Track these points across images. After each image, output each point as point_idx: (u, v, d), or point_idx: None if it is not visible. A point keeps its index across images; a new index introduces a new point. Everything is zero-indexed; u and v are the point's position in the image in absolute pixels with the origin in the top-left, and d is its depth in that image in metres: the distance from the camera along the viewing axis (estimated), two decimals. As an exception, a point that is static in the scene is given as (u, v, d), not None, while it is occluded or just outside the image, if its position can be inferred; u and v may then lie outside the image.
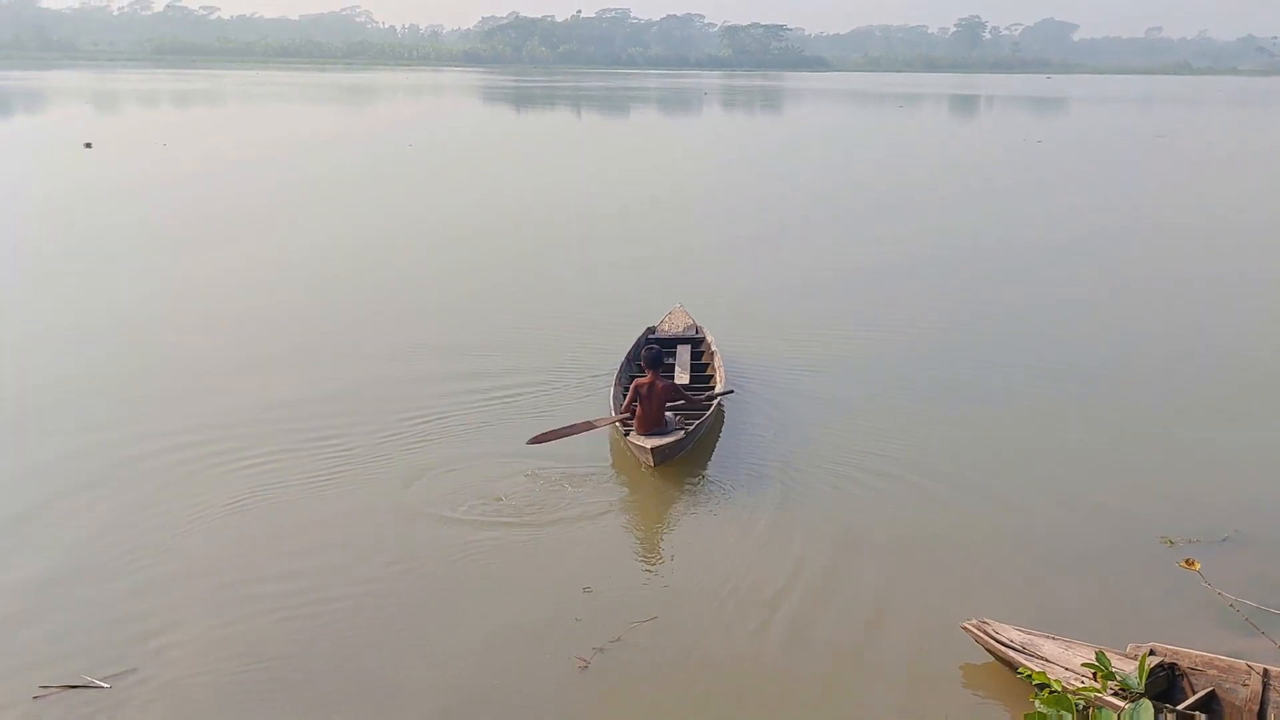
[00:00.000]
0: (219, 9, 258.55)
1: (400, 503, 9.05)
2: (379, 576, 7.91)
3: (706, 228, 23.63)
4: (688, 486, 9.64)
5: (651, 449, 9.71)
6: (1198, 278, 18.99)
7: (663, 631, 7.21)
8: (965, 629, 6.83)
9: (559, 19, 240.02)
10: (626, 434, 10.22)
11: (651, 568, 8.30)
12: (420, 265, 19.37)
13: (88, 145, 36.68)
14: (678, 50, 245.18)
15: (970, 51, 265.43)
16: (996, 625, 6.77)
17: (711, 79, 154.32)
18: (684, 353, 12.65)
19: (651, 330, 13.50)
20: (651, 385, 10.21)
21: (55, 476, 9.56)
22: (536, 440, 10.02)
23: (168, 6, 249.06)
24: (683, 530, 8.91)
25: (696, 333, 13.34)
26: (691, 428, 10.32)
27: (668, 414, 10.33)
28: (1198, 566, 5.69)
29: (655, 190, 29.95)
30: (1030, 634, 6.64)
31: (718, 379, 11.83)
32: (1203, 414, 11.82)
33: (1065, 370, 13.20)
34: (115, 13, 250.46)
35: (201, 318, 15.14)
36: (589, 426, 10.33)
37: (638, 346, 12.55)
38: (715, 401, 11.02)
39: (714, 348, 12.69)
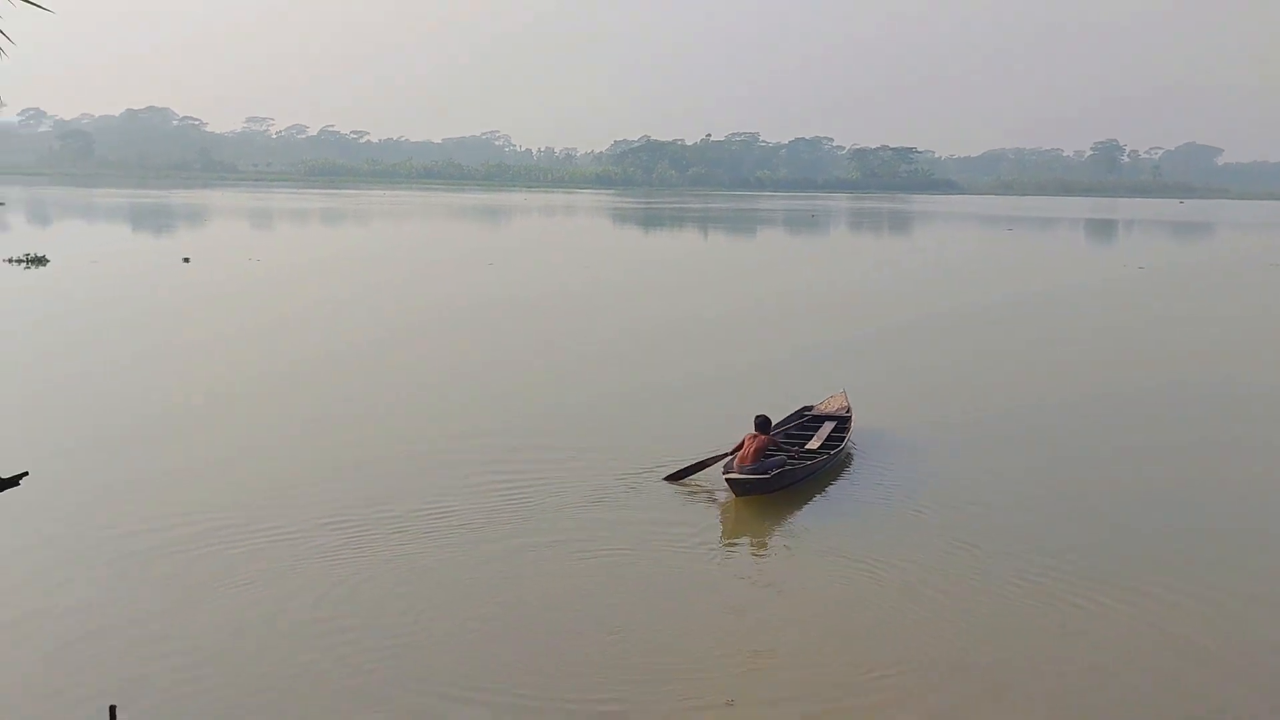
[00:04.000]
0: (369, 133, 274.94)
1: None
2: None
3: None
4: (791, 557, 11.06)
5: (730, 480, 12.30)
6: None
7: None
8: None
9: (689, 142, 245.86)
10: (725, 473, 12.50)
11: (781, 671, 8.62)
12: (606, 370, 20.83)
13: (186, 260, 38.94)
14: (806, 173, 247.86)
15: (1108, 175, 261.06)
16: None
17: (839, 201, 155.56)
18: (826, 428, 14.86)
19: (808, 408, 15.90)
20: (755, 438, 12.90)
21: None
22: (672, 478, 12.82)
23: (322, 130, 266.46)
24: (802, 625, 9.34)
25: (846, 413, 15.43)
26: (780, 471, 12.51)
27: (772, 459, 12.76)
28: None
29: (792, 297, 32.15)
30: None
31: (843, 449, 14.18)
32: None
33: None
34: (274, 136, 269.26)
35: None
36: (708, 462, 12.98)
37: (788, 418, 15.38)
38: (822, 458, 13.50)
39: (852, 426, 14.96)
